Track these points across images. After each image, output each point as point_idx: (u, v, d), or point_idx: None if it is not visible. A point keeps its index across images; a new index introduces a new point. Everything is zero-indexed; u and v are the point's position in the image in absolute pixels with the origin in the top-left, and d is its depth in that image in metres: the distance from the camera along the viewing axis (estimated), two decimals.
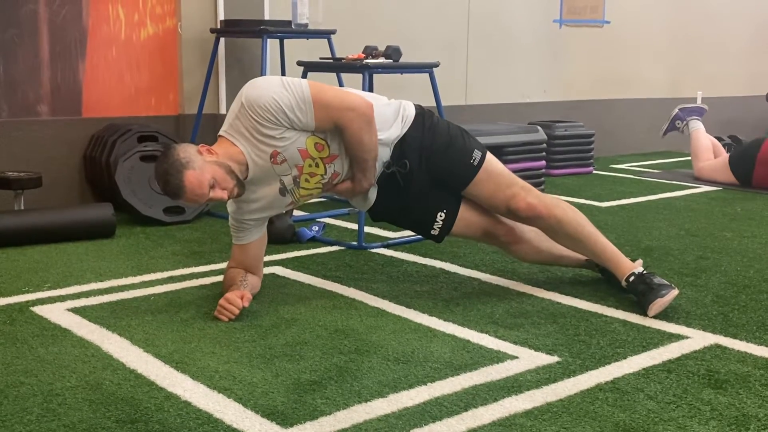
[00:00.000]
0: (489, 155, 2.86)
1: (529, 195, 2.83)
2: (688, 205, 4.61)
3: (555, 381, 2.16)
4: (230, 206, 2.75)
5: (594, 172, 5.74)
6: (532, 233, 2.97)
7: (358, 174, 2.72)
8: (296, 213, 4.08)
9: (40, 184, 3.80)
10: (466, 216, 2.90)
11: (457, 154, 2.81)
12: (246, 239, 2.76)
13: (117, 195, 3.88)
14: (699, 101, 6.91)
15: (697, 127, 5.58)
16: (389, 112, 2.78)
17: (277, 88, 2.55)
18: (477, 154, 2.82)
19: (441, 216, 2.87)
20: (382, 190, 2.83)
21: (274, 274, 3.11)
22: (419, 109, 2.85)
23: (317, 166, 2.67)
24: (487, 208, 2.91)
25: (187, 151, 2.54)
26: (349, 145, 2.65)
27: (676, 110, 5.76)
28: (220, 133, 2.64)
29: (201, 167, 2.50)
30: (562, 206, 2.86)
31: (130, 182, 3.89)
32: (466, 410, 1.98)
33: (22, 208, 3.76)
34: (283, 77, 2.63)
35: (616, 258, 2.85)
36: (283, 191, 2.68)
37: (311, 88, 2.58)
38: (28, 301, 2.75)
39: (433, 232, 2.91)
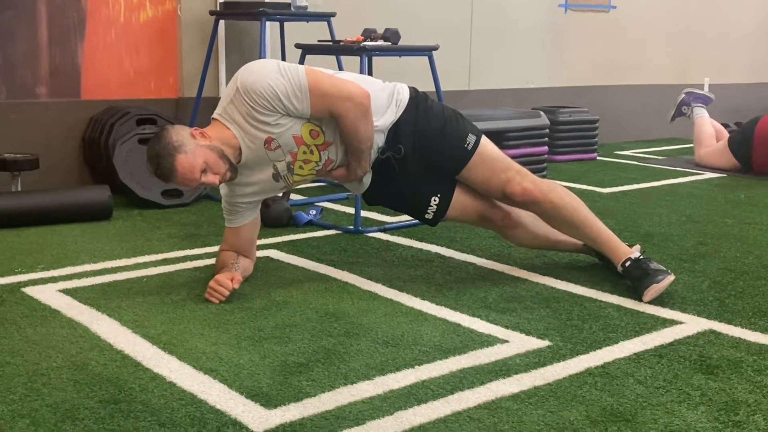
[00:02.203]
0: (484, 139, 2.83)
1: (524, 179, 2.80)
2: (690, 191, 4.58)
3: (544, 365, 2.14)
4: (223, 189, 2.73)
5: (598, 158, 5.70)
6: (528, 218, 2.94)
7: (352, 162, 2.70)
8: (294, 197, 4.06)
9: (37, 165, 3.79)
10: (461, 200, 2.88)
11: (451, 138, 2.78)
12: (238, 222, 2.75)
13: (115, 177, 3.87)
14: (706, 88, 6.85)
15: (701, 114, 5.54)
16: (384, 98, 2.74)
17: (273, 74, 2.52)
18: (471, 138, 2.79)
19: (435, 200, 2.84)
20: (377, 174, 2.80)
21: (268, 257, 3.09)
22: (413, 92, 2.82)
23: (312, 152, 2.65)
24: (482, 193, 2.88)
25: (180, 134, 2.52)
26: (344, 134, 2.63)
27: (683, 95, 5.70)
28: (214, 116, 2.62)
29: (193, 151, 2.48)
30: (557, 191, 2.83)
31: (128, 165, 3.88)
32: (452, 393, 1.96)
33: (20, 189, 3.76)
34: (280, 62, 2.60)
35: (612, 243, 2.83)
36: (276, 177, 2.66)
37: (308, 76, 2.54)
38: (20, 282, 2.75)
39: (427, 216, 2.88)
